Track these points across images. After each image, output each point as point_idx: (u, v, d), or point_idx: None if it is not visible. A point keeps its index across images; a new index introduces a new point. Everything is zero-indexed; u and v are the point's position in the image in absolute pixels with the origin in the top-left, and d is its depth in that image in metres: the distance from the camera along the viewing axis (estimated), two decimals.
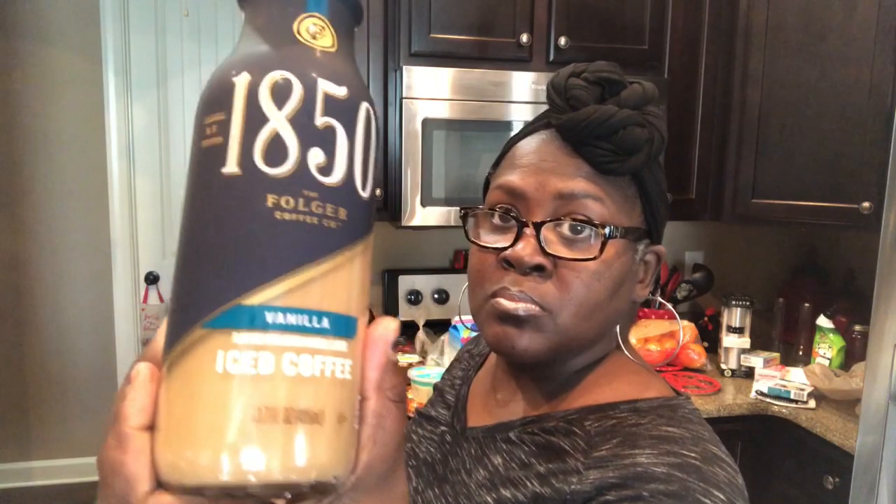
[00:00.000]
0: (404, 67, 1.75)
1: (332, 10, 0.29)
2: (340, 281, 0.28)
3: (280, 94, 0.27)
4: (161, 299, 3.30)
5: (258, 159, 0.27)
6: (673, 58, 2.03)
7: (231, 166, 0.27)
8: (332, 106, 0.28)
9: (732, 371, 2.09)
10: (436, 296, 2.20)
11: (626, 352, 0.62)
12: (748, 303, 2.08)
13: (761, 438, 1.89)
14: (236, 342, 0.26)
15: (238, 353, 0.26)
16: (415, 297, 2.17)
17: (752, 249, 2.56)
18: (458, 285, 2.22)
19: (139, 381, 0.29)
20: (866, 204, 1.82)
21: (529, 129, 0.62)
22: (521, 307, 0.55)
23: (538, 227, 0.55)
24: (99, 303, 3.21)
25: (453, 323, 1.92)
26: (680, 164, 2.09)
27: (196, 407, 0.26)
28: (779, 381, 1.90)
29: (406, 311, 2.18)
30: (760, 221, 2.07)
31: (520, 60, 1.87)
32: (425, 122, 1.77)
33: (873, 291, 1.44)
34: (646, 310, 2.29)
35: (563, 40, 1.86)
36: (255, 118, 0.27)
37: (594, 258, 0.55)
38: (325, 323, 0.27)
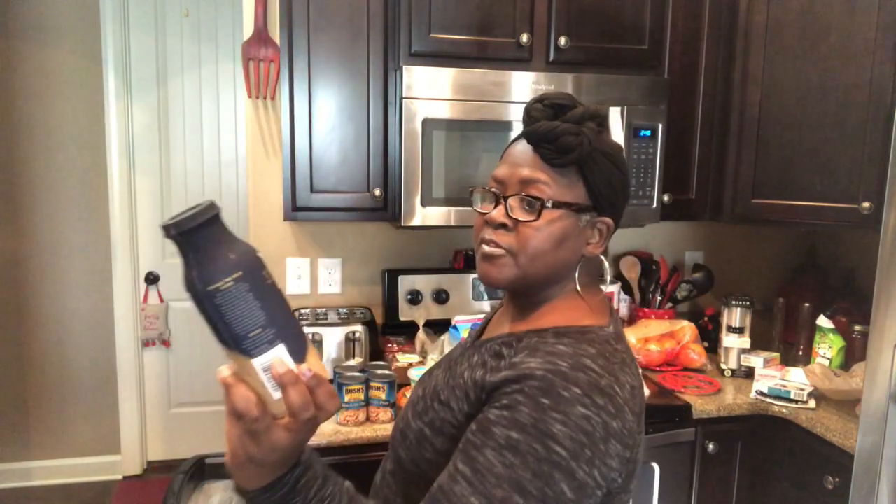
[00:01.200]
0: (404, 67, 1.75)
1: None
2: None
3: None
4: (161, 299, 3.30)
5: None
6: (673, 58, 2.03)
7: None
8: None
9: (732, 371, 2.09)
10: (436, 296, 2.20)
11: (579, 293, 0.89)
12: (748, 303, 2.08)
13: (761, 438, 1.89)
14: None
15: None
16: (415, 297, 2.17)
17: (752, 249, 2.56)
18: (458, 285, 2.22)
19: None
20: (866, 204, 1.82)
21: (518, 136, 0.91)
22: (495, 251, 0.86)
23: (506, 199, 0.86)
24: (99, 303, 3.21)
25: (453, 323, 1.92)
26: (680, 164, 2.09)
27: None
28: (779, 381, 1.90)
29: (406, 311, 2.18)
30: (760, 221, 2.07)
31: (520, 60, 1.87)
32: (425, 122, 1.77)
33: (873, 291, 1.44)
34: (646, 310, 2.29)
35: (563, 40, 1.86)
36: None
37: (534, 220, 0.84)
38: None
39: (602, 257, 0.91)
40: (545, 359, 0.76)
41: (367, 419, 1.68)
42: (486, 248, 0.87)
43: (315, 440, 1.59)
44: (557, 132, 0.83)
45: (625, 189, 0.89)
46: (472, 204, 0.93)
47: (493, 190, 0.89)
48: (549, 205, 0.83)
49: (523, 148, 0.87)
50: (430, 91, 1.76)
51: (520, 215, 0.85)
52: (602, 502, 0.78)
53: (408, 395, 1.74)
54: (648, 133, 1.92)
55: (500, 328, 0.95)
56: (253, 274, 0.58)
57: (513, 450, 0.71)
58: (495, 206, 0.87)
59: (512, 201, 0.85)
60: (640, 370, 0.98)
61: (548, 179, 0.84)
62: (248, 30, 2.05)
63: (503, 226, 0.86)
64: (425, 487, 0.78)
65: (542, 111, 0.87)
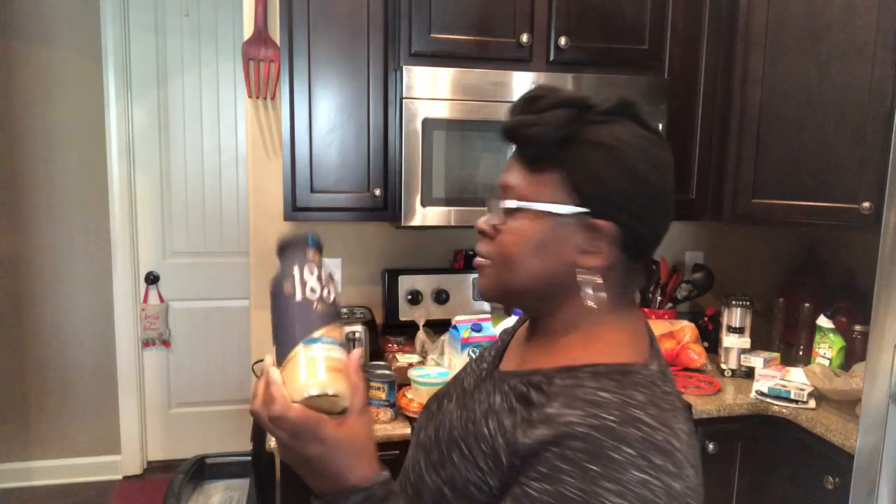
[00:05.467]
0: (404, 67, 1.75)
1: (316, 246, 0.72)
2: (338, 330, 0.70)
3: (308, 275, 0.70)
4: (161, 299, 3.30)
5: (307, 294, 0.69)
6: (673, 58, 2.03)
7: (297, 298, 0.68)
8: (325, 278, 0.71)
9: (732, 371, 2.09)
10: (436, 296, 2.20)
11: (611, 316, 0.76)
12: (748, 303, 2.08)
13: (761, 438, 1.89)
14: (312, 348, 0.66)
15: (312, 352, 0.66)
16: (415, 297, 2.17)
17: (752, 249, 2.56)
18: (458, 285, 2.22)
19: (274, 373, 0.66)
20: (866, 204, 1.82)
21: None
22: (477, 261, 0.80)
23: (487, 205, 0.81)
24: (99, 303, 3.21)
25: (453, 323, 1.92)
26: (680, 164, 2.09)
27: (299, 374, 0.65)
28: (779, 381, 1.90)
29: (406, 311, 2.18)
30: (760, 221, 2.07)
31: (520, 60, 1.87)
32: (425, 122, 1.77)
33: (873, 291, 1.44)
34: (646, 310, 2.29)
35: (563, 40, 1.86)
36: (301, 284, 0.69)
37: (501, 224, 0.77)
38: (336, 343, 0.68)
39: (642, 267, 0.79)
40: (586, 411, 0.65)
41: None
42: (475, 260, 0.81)
43: None
44: (515, 124, 0.74)
45: (633, 186, 0.73)
46: None
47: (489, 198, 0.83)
48: (511, 205, 0.75)
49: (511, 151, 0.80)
50: (431, 91, 1.76)
51: (493, 220, 0.77)
52: None
53: (408, 395, 1.74)
54: None
55: (524, 358, 0.83)
56: (273, 291, 0.71)
57: None
58: None
59: (488, 208, 0.80)
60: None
61: (520, 180, 0.76)
62: (248, 30, 2.05)
63: (482, 232, 0.79)
64: None
65: (512, 109, 0.77)
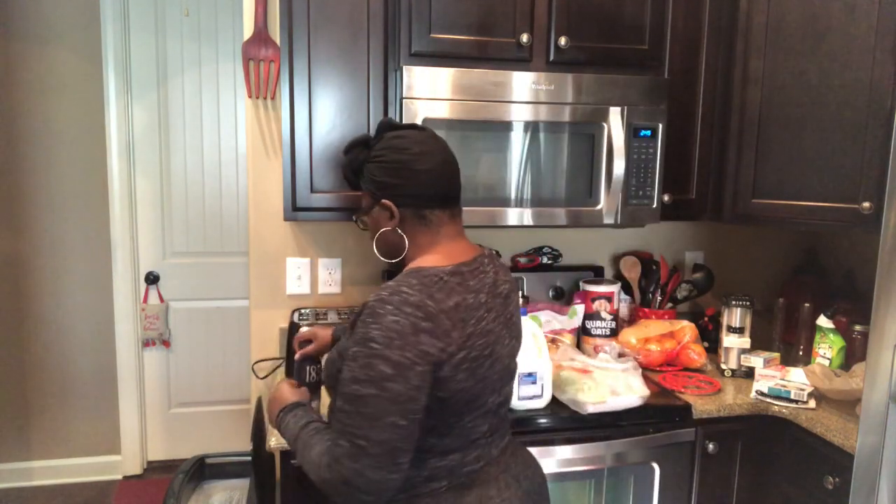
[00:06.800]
0: (404, 67, 1.75)
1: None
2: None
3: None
4: (161, 299, 3.30)
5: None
6: (673, 58, 2.03)
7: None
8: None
9: (732, 371, 2.09)
10: None
11: (432, 246, 1.19)
12: (748, 303, 2.08)
13: (761, 438, 1.89)
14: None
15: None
16: None
17: (752, 249, 2.56)
18: None
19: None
20: (866, 204, 1.82)
21: None
22: None
23: None
24: (99, 303, 3.21)
25: None
26: (680, 164, 2.09)
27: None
28: (779, 381, 1.90)
29: None
30: (760, 221, 2.07)
31: (520, 60, 1.87)
32: (425, 122, 1.77)
33: (873, 291, 1.44)
34: (646, 310, 2.29)
35: (563, 40, 1.86)
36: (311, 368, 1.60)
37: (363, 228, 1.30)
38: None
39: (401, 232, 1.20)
40: (377, 294, 1.06)
41: None
42: None
43: None
44: (341, 168, 1.29)
45: (387, 171, 1.16)
46: None
47: None
48: (359, 214, 1.27)
49: None
50: (431, 91, 1.76)
51: (363, 221, 1.29)
52: (440, 376, 1.05)
53: None
54: (648, 133, 1.92)
55: None
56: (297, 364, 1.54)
57: (351, 358, 1.05)
58: None
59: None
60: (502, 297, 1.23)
61: (363, 198, 1.25)
62: (248, 30, 2.06)
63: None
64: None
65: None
